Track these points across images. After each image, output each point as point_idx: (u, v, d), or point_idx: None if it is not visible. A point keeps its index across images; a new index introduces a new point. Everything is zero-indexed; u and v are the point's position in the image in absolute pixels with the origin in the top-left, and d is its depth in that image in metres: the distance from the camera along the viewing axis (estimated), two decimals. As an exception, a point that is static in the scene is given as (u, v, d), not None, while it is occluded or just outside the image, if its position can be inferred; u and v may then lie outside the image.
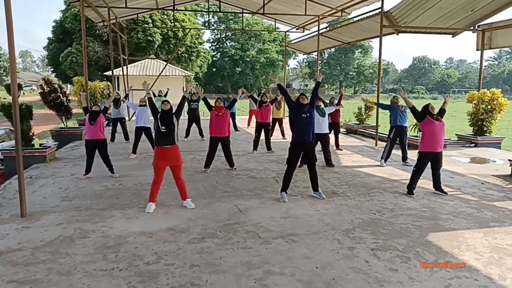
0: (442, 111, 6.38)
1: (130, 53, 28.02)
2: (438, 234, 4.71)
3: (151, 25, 33.64)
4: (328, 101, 10.17)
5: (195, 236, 4.56)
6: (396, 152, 9.06)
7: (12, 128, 7.29)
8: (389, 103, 8.79)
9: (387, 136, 8.98)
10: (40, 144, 9.01)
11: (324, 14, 15.28)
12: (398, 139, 8.62)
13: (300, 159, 6.47)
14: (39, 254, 4.08)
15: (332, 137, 9.50)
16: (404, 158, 8.76)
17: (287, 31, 20.25)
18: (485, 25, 11.95)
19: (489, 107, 11.31)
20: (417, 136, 10.19)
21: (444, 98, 6.75)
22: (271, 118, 10.42)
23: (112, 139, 11.62)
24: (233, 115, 14.15)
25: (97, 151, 7.40)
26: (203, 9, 26.55)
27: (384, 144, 9.29)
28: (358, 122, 15.21)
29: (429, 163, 6.31)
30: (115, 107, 11.80)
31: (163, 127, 5.45)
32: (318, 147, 7.99)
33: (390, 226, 4.97)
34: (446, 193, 6.38)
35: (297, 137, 5.96)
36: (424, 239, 4.54)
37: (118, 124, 11.96)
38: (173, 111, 5.64)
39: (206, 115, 17.27)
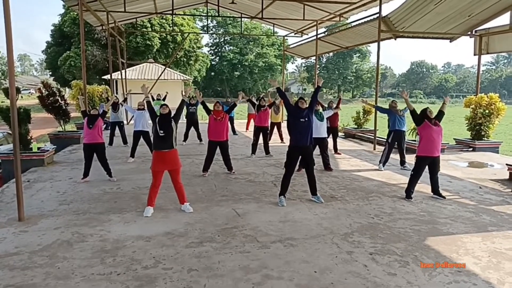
0: (440, 114, 6.39)
1: (129, 57, 28.04)
2: (437, 238, 4.71)
3: (149, 29, 33.69)
4: (326, 105, 10.19)
5: (193, 240, 4.55)
6: (394, 156, 9.07)
7: (10, 132, 7.27)
8: (388, 107, 8.82)
9: (385, 140, 9.00)
10: (38, 148, 8.99)
11: (322, 19, 15.36)
12: (396, 143, 8.64)
13: (298, 163, 6.48)
14: (36, 258, 4.06)
15: (330, 141, 9.51)
16: (402, 162, 8.78)
17: (286, 35, 20.33)
18: (482, 30, 12.02)
19: (487, 111, 11.35)
20: (415, 141, 10.21)
21: (443, 99, 6.77)
22: (269, 122, 10.43)
23: (110, 143, 11.61)
24: (231, 119, 14.16)
25: (95, 155, 7.40)
26: (202, 14, 26.64)
27: (382, 148, 9.30)
28: (356, 126, 15.24)
29: (427, 167, 6.32)
30: (113, 111, 11.79)
31: (161, 131, 5.43)
32: (317, 151, 8.01)
33: (389, 230, 4.96)
34: (444, 197, 6.39)
35: (295, 141, 5.97)
36: (422, 244, 4.54)
37: (116, 128, 11.95)
38: (172, 115, 5.63)
39: (204, 119, 17.28)
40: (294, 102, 6.14)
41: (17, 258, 4.05)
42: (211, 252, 4.23)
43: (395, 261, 4.06)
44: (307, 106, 5.93)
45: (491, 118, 11.42)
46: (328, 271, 3.83)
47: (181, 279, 3.64)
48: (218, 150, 7.90)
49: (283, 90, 6.60)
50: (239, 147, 11.60)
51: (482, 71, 69.57)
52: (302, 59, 22.89)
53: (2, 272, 3.76)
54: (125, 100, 12.24)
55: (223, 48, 63.42)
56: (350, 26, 14.23)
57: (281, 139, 12.26)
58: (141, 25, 33.02)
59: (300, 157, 6.15)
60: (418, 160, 6.35)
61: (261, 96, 12.06)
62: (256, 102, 10.68)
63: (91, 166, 7.42)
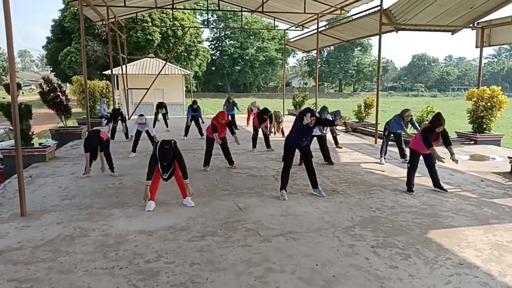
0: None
1: (129, 52, 27.98)
2: (438, 231, 4.72)
3: (150, 24, 33.60)
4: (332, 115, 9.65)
5: (195, 234, 4.57)
6: (396, 150, 9.06)
7: (12, 128, 7.28)
8: (401, 117, 8.32)
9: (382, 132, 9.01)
10: (40, 143, 9.01)
11: (323, 12, 15.26)
12: (392, 136, 8.65)
13: (299, 158, 6.46)
14: (39, 253, 4.09)
15: (329, 136, 9.48)
16: (403, 155, 8.77)
17: (286, 29, 20.23)
18: (484, 22, 11.94)
19: (488, 104, 11.30)
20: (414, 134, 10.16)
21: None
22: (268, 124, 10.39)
23: (112, 137, 11.63)
24: (232, 116, 14.15)
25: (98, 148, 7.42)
26: (202, 8, 26.51)
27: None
28: (357, 120, 15.22)
29: (423, 160, 6.34)
30: (114, 124, 11.97)
31: (164, 175, 5.45)
32: (315, 145, 8.00)
33: (390, 223, 4.97)
34: (446, 190, 6.39)
35: (293, 142, 6.02)
36: (424, 236, 4.55)
37: (119, 122, 12.04)
38: (174, 151, 5.40)
39: (205, 114, 17.27)
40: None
41: (20, 253, 4.08)
42: (213, 246, 4.24)
43: (397, 254, 4.07)
44: (313, 124, 5.86)
45: (493, 111, 11.38)
46: (330, 264, 3.84)
47: (183, 273, 3.66)
48: (218, 145, 7.92)
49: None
50: (240, 141, 11.54)
51: (484, 64, 69.37)
52: (303, 53, 22.82)
53: (5, 267, 3.78)
54: (124, 119, 12.23)
55: (224, 42, 63.26)
56: (351, 19, 14.15)
57: (282, 133, 12.22)
58: (141, 19, 32.96)
59: (297, 150, 6.19)
60: (411, 152, 6.41)
61: (263, 109, 11.32)
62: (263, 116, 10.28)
63: (93, 161, 7.44)
